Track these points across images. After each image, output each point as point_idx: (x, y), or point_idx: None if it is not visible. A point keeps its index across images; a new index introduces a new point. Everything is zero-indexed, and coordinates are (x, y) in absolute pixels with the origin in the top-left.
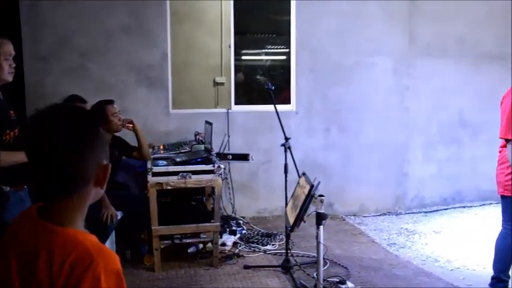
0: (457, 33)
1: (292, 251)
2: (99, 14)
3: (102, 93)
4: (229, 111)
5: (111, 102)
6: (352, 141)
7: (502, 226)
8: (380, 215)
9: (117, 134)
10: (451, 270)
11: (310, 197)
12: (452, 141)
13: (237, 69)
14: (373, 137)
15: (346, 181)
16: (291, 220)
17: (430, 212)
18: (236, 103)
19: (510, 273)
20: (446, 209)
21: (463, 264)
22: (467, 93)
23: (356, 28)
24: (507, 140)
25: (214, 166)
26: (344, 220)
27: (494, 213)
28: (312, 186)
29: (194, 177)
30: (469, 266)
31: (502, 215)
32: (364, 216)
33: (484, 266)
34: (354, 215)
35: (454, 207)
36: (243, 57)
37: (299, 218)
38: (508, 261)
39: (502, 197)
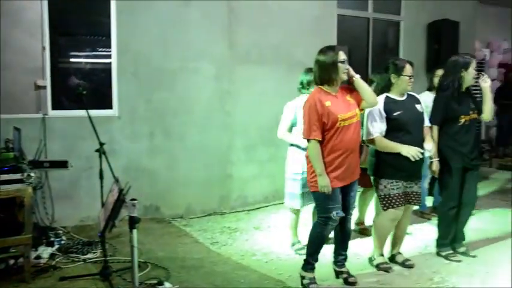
0: (273, 42)
1: (114, 257)
2: None
3: None
4: (46, 116)
5: None
6: (177, 144)
7: (317, 217)
8: (206, 215)
9: None
10: (266, 262)
11: (119, 201)
12: (270, 143)
13: (61, 72)
14: (197, 140)
15: (172, 184)
16: (102, 226)
17: (252, 209)
18: (58, 108)
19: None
20: (267, 206)
21: (276, 256)
22: (283, 98)
23: (178, 34)
24: (308, 141)
25: (23, 175)
26: (170, 223)
27: (307, 208)
28: (121, 190)
29: (0, 187)
30: (282, 257)
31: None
32: (190, 218)
33: (294, 256)
34: (180, 217)
35: (274, 204)
36: (66, 60)
37: (109, 223)
38: (317, 247)
39: (312, 193)
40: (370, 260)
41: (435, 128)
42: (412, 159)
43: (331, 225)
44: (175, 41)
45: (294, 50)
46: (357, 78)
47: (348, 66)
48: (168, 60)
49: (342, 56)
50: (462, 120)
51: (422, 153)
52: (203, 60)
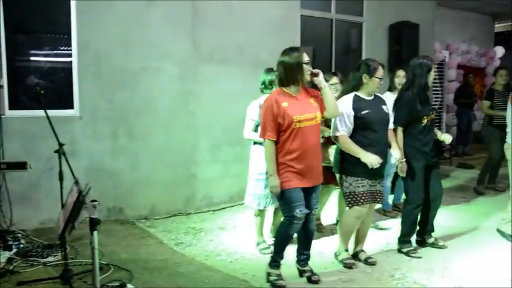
0: (237, 42)
1: (75, 260)
2: None
3: None
4: (3, 116)
5: None
6: (140, 145)
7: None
8: (170, 216)
9: None
10: (231, 262)
11: (79, 203)
12: (235, 143)
13: (19, 70)
14: (161, 140)
15: (136, 185)
16: (62, 228)
17: (218, 210)
18: (16, 107)
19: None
20: (233, 206)
21: (241, 255)
22: (247, 98)
23: (141, 34)
24: (264, 140)
25: None
26: (134, 224)
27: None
28: (80, 192)
29: None
30: (246, 256)
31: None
32: (155, 219)
33: (259, 255)
34: (144, 218)
35: (240, 204)
36: (24, 58)
37: (68, 225)
38: (282, 245)
39: None
40: (336, 255)
41: (400, 130)
42: (370, 167)
43: (297, 224)
44: (138, 40)
45: (258, 50)
46: (324, 87)
47: (319, 71)
48: (131, 60)
49: (306, 57)
50: (425, 121)
51: (385, 154)
52: (166, 60)
